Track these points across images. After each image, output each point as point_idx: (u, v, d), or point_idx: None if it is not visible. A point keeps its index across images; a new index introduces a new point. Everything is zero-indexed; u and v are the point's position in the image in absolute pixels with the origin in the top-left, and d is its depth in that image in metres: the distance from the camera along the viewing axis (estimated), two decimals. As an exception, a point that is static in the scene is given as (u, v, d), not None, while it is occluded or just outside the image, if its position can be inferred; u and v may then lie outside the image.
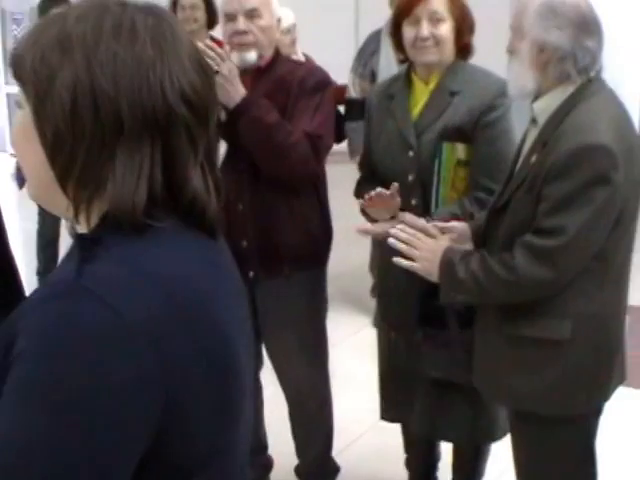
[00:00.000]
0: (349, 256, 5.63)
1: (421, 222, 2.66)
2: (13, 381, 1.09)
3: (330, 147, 3.18)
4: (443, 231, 2.64)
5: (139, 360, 1.09)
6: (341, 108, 5.11)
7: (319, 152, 3.04)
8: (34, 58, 1.16)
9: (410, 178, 2.96)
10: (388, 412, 3.32)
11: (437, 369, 2.94)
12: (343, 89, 5.25)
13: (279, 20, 3.20)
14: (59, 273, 1.20)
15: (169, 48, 1.17)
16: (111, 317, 1.08)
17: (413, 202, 2.94)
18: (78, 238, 1.21)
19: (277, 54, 3.17)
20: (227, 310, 1.26)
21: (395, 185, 2.83)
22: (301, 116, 3.02)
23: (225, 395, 1.23)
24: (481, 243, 2.54)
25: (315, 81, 3.09)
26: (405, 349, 3.08)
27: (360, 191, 3.15)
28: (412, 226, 2.62)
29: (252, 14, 3.04)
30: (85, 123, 1.13)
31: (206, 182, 1.24)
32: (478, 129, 2.90)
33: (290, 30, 5.09)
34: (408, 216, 2.70)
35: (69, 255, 1.22)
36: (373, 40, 5.34)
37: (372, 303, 4.51)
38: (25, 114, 1.19)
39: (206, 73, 1.23)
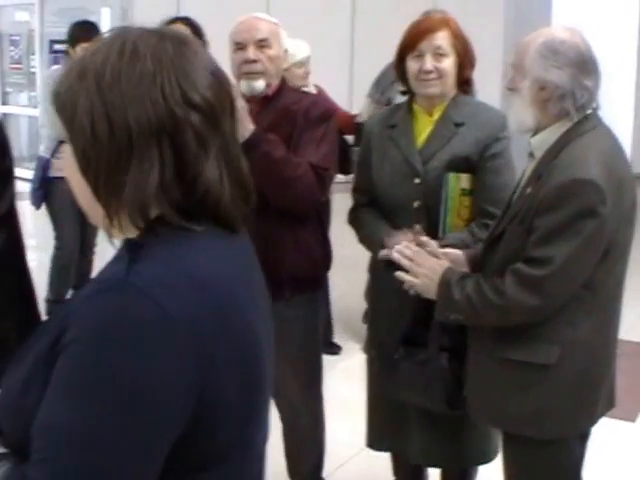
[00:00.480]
0: (343, 283, 5.69)
1: (432, 243, 2.75)
2: (60, 369, 1.19)
3: (334, 177, 3.28)
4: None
5: (181, 353, 1.19)
6: (349, 138, 5.18)
7: (324, 183, 3.13)
8: (63, 92, 1.30)
9: (415, 205, 3.05)
10: (375, 441, 3.38)
11: (410, 390, 2.97)
12: (352, 118, 5.31)
13: (286, 51, 3.30)
14: (108, 272, 1.30)
15: (170, 61, 1.28)
16: (157, 312, 1.18)
17: (417, 228, 3.01)
18: (126, 242, 1.32)
19: (283, 84, 3.27)
20: (255, 313, 1.36)
21: (417, 227, 2.91)
22: (307, 147, 3.11)
23: (250, 395, 1.32)
24: (478, 269, 2.63)
25: (320, 112, 3.18)
26: (380, 369, 3.13)
27: (355, 219, 3.26)
28: (422, 245, 2.72)
29: (262, 44, 3.14)
30: (102, 139, 1.25)
31: (221, 177, 1.32)
32: (484, 160, 3.01)
33: (304, 62, 5.19)
34: (424, 238, 2.79)
35: (117, 257, 1.32)
36: (392, 70, 5.42)
37: (364, 329, 4.55)
38: (67, 145, 1.32)
39: (218, 80, 1.34)
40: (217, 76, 1.34)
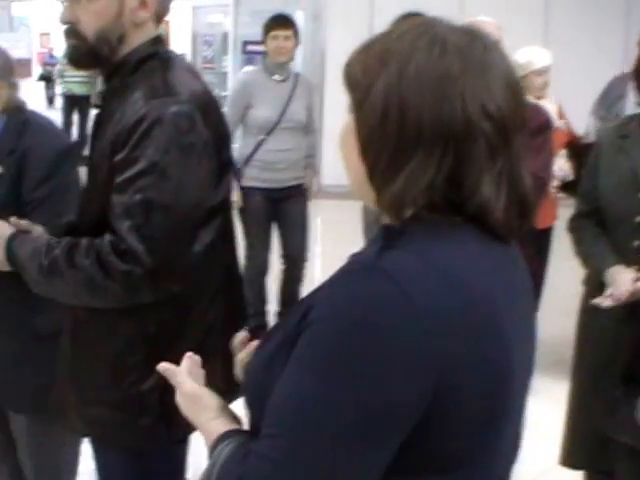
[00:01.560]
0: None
1: None
2: (300, 347, 1.20)
3: (548, 188, 3.22)
4: None
5: (418, 343, 1.16)
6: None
7: (540, 192, 3.06)
8: (359, 69, 1.28)
9: (637, 220, 2.92)
10: (571, 459, 3.25)
11: (633, 436, 2.83)
12: (577, 139, 4.96)
13: None
14: (361, 254, 1.32)
15: (475, 65, 1.25)
16: (400, 298, 1.17)
17: (635, 243, 2.91)
18: (383, 228, 1.32)
19: None
20: (510, 323, 1.29)
21: None
22: (524, 157, 3.03)
23: (494, 407, 1.26)
24: None
25: (539, 122, 3.14)
26: (595, 403, 2.99)
27: (575, 230, 3.17)
28: None
29: None
30: (391, 130, 1.24)
31: (498, 193, 1.27)
32: None
33: (544, 71, 4.90)
34: None
35: (373, 241, 1.34)
36: (618, 84, 5.19)
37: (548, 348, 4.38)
38: (350, 118, 1.31)
39: (513, 92, 1.29)
40: (513, 87, 1.29)
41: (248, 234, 5.76)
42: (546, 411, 3.94)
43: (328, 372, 1.16)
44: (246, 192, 5.63)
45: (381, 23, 5.05)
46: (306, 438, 1.16)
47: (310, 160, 5.84)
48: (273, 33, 5.52)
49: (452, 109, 1.22)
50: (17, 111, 2.76)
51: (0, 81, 2.68)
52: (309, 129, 5.79)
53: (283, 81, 5.61)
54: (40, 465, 2.93)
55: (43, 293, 2.20)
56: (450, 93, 1.22)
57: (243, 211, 5.69)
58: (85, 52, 2.16)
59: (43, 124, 2.84)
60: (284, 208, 5.77)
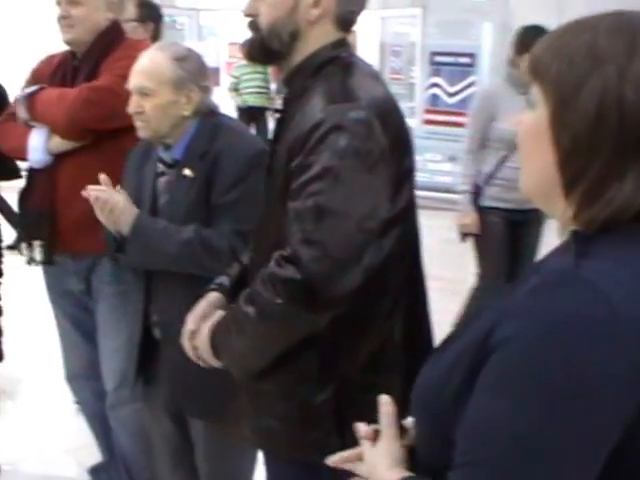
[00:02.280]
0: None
1: None
2: (496, 366, 1.14)
3: None
4: None
5: (630, 358, 1.09)
6: None
7: None
8: (561, 63, 1.20)
9: None
10: None
11: None
12: None
13: None
14: (553, 264, 1.22)
15: None
16: (607, 311, 1.09)
17: None
18: (574, 234, 1.22)
19: None
20: None
21: None
22: None
23: None
24: None
25: None
26: None
27: None
28: None
29: None
30: (607, 135, 1.16)
31: None
32: None
33: None
34: None
35: (561, 250, 1.24)
36: None
37: None
38: (539, 115, 1.24)
39: None
40: None
41: (482, 260, 5.30)
42: None
43: (525, 396, 1.10)
44: (485, 213, 5.18)
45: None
46: (501, 465, 1.10)
47: None
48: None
49: None
50: (209, 115, 2.80)
51: (191, 85, 2.72)
52: None
53: (526, 94, 5.06)
54: (215, 470, 2.95)
55: (251, 362, 2.17)
56: None
57: (479, 234, 5.23)
58: (257, 45, 2.15)
59: (235, 128, 2.86)
60: (521, 233, 5.27)
